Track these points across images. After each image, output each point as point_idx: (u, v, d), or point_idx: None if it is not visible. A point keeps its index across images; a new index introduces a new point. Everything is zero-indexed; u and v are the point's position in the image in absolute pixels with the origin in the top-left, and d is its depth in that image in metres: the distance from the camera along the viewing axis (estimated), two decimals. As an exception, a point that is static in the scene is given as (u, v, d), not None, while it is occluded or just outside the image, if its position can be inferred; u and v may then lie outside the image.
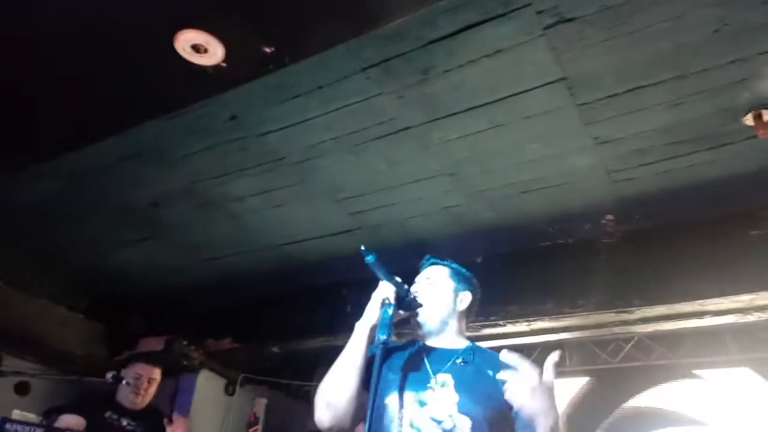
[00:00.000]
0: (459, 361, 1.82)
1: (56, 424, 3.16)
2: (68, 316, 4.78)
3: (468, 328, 2.04)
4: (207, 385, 5.02)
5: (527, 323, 3.71)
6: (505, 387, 1.62)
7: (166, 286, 4.54)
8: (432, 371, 1.78)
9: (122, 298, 4.72)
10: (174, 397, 4.91)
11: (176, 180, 3.33)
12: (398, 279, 1.85)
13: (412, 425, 1.66)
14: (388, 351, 1.69)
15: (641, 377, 4.25)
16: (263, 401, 5.11)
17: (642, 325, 3.57)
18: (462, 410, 1.68)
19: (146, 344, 4.78)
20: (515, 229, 3.55)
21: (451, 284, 2.01)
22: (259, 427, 4.78)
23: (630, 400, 4.43)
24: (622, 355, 4.03)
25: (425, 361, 1.82)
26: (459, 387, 1.73)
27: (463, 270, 2.09)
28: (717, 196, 3.08)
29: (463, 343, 1.93)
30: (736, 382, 3.95)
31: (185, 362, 4.76)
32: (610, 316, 3.48)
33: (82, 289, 4.73)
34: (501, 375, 1.69)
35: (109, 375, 3.32)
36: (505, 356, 1.65)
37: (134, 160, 3.17)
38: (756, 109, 2.57)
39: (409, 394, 1.73)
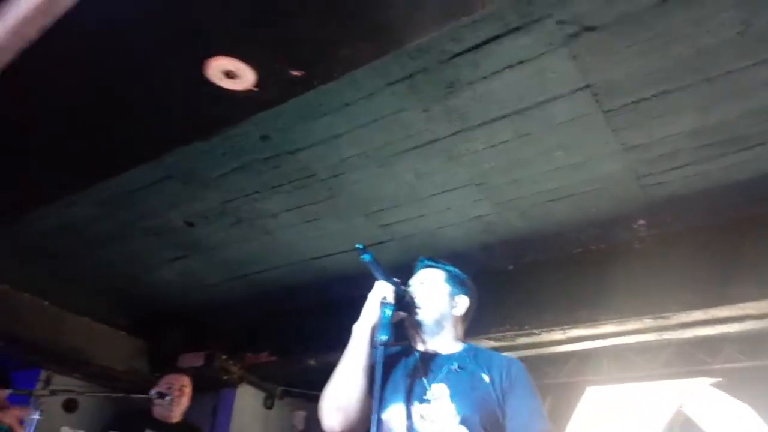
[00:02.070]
0: (454, 367, 1.80)
1: None
2: (110, 333, 4.95)
3: (466, 333, 2.00)
4: (246, 399, 5.12)
5: (562, 331, 3.69)
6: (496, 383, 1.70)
7: (204, 302, 4.66)
8: (428, 382, 1.76)
9: (162, 314, 4.86)
10: (214, 411, 5.02)
11: (210, 199, 3.44)
12: (395, 279, 1.84)
13: None
14: (385, 358, 1.67)
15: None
16: (302, 414, 5.17)
17: (680, 331, 3.52)
18: (459, 421, 1.66)
19: (186, 360, 4.88)
20: (545, 237, 3.55)
21: (446, 288, 1.97)
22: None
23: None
24: (660, 361, 3.97)
25: (421, 370, 1.79)
26: (455, 396, 1.71)
27: (459, 273, 2.04)
28: (749, 197, 3.04)
29: (458, 347, 1.90)
30: None
31: (225, 377, 4.86)
32: (646, 322, 3.44)
33: (123, 307, 4.88)
34: (494, 373, 1.75)
35: (154, 391, 3.44)
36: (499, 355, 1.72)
37: (169, 182, 3.28)
38: (785, 108, 2.54)
39: (407, 407, 1.71)
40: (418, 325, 1.90)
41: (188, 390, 3.66)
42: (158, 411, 3.54)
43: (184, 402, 3.63)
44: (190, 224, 3.70)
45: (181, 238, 3.86)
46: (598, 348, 3.95)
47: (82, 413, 4.72)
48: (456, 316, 1.96)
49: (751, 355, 3.72)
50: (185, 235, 3.82)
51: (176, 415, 3.58)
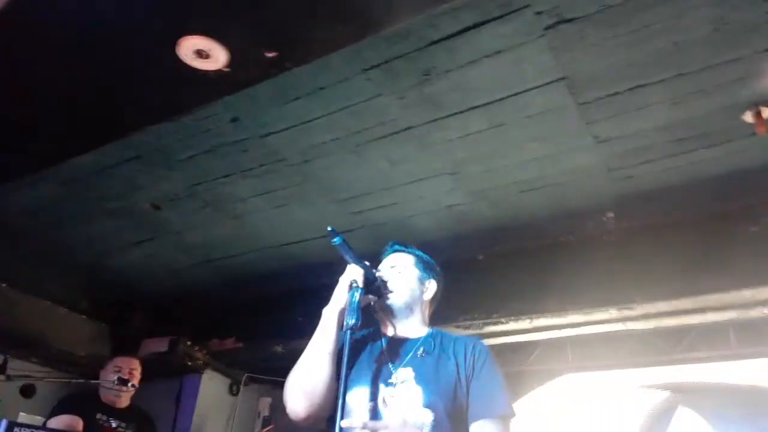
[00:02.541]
0: (420, 352, 1.81)
1: (53, 425, 3.12)
2: (71, 317, 4.81)
3: (432, 317, 2.01)
4: (211, 386, 5.04)
5: (529, 320, 3.73)
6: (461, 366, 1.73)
7: (169, 287, 4.57)
8: (393, 366, 1.76)
9: (125, 299, 4.75)
10: (178, 398, 4.94)
11: (178, 182, 3.35)
12: (366, 262, 1.84)
13: (377, 417, 1.65)
14: (354, 341, 1.67)
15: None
16: (268, 400, 5.14)
17: (643, 321, 3.59)
18: (424, 404, 1.67)
19: (150, 345, 4.79)
20: (516, 227, 3.57)
21: (415, 272, 1.98)
22: (272, 426, 4.78)
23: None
24: (624, 351, 4.04)
25: (388, 355, 1.80)
26: (420, 381, 1.72)
27: (428, 258, 2.05)
28: (717, 193, 3.10)
29: (424, 331, 1.92)
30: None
31: (189, 363, 4.78)
32: (611, 313, 3.50)
33: (85, 291, 4.75)
34: (459, 356, 1.77)
35: (115, 377, 3.35)
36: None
37: (135, 163, 3.18)
38: (755, 106, 2.59)
39: (372, 390, 1.71)
40: (388, 309, 1.90)
41: (138, 373, 3.55)
42: (106, 395, 3.43)
43: (134, 385, 3.50)
44: (157, 207, 3.60)
45: (147, 220, 3.76)
46: (563, 337, 4.01)
47: (40, 398, 4.58)
48: (425, 301, 1.98)
49: (711, 345, 3.82)
50: (151, 218, 3.72)
51: (125, 400, 3.49)
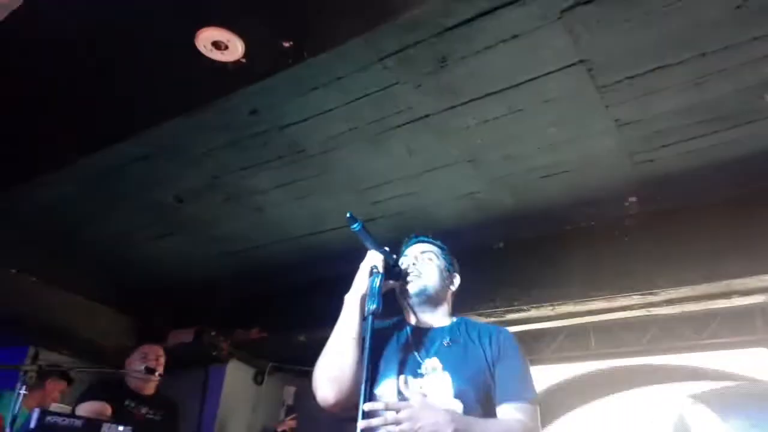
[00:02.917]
0: (446, 342, 1.81)
1: (81, 411, 3.18)
2: (98, 309, 4.93)
3: (453, 307, 2.01)
4: (236, 375, 5.12)
5: (551, 307, 3.71)
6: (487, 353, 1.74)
7: (194, 279, 4.63)
8: (421, 356, 1.76)
9: (151, 291, 4.83)
10: (204, 388, 5.02)
11: (199, 175, 3.39)
12: (386, 248, 1.84)
13: (401, 399, 1.64)
14: (377, 332, 1.67)
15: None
16: (292, 389, 5.19)
17: (667, 307, 3.55)
18: (454, 394, 1.68)
19: (175, 336, 4.88)
20: (537, 214, 3.54)
21: (443, 262, 2.00)
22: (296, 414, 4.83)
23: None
24: (648, 337, 4.01)
25: (413, 344, 1.80)
26: (448, 370, 1.72)
27: (448, 251, 2.06)
28: (740, 175, 3.04)
29: (449, 320, 1.92)
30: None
31: (214, 353, 4.86)
32: (635, 299, 3.47)
33: (112, 284, 4.84)
34: (485, 343, 1.78)
35: (142, 366, 3.42)
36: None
37: (156, 158, 3.23)
38: (778, 85, 2.53)
39: (400, 382, 1.71)
40: (412, 298, 1.90)
41: (163, 361, 3.62)
42: (134, 383, 3.49)
43: (160, 372, 3.57)
44: (179, 200, 3.65)
45: (170, 214, 3.82)
46: (586, 324, 3.98)
47: (71, 389, 4.70)
48: (450, 291, 1.99)
49: (737, 331, 3.77)
50: (174, 212, 3.78)
51: (152, 388, 3.55)
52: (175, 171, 3.35)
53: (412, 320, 1.92)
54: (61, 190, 3.52)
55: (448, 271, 2.00)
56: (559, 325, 3.97)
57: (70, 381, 4.11)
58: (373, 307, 1.67)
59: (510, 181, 3.30)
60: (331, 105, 2.80)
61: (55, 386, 3.88)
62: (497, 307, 3.80)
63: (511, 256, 3.83)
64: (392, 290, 1.88)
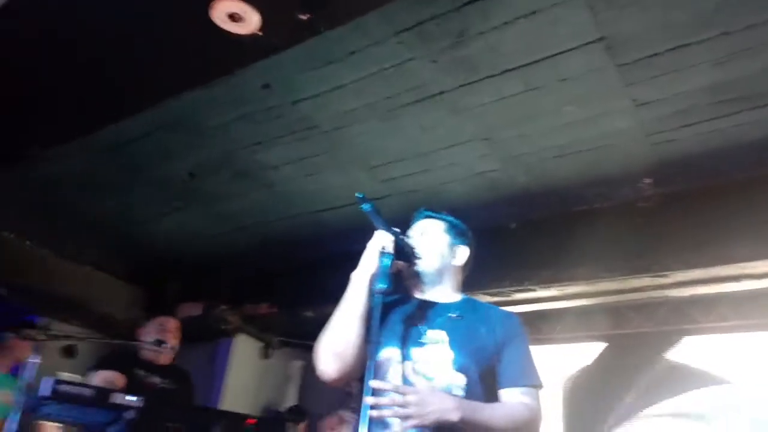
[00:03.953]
0: (453, 316, 1.81)
1: (94, 380, 3.18)
2: (110, 282, 4.96)
3: (463, 284, 1.99)
4: (244, 349, 5.17)
5: (559, 288, 3.71)
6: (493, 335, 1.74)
7: (204, 253, 4.65)
8: (425, 328, 1.77)
9: (161, 264, 4.86)
10: (211, 361, 5.07)
11: (211, 150, 3.38)
12: (396, 229, 1.83)
13: (405, 382, 1.65)
14: (382, 306, 1.66)
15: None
16: (299, 363, 5.25)
17: (677, 289, 3.54)
18: (457, 368, 1.69)
19: (185, 309, 4.91)
20: (550, 194, 3.51)
21: (446, 238, 1.97)
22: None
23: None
24: (656, 319, 4.01)
25: (419, 317, 1.80)
26: (453, 343, 1.72)
27: (459, 223, 2.03)
28: (760, 158, 3.00)
29: (457, 297, 1.92)
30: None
31: (222, 327, 4.90)
32: (645, 281, 3.46)
33: (123, 257, 4.87)
34: (493, 325, 1.79)
35: (154, 337, 3.44)
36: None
37: (169, 131, 3.22)
38: (804, 65, 2.48)
39: (402, 351, 1.72)
40: (417, 276, 1.90)
41: (178, 333, 3.63)
42: (146, 354, 3.50)
43: (175, 343, 3.54)
44: (191, 175, 3.65)
45: (181, 189, 3.81)
46: (594, 305, 3.98)
47: (81, 359, 4.75)
48: (456, 267, 1.97)
49: (743, 314, 3.76)
50: (185, 186, 3.78)
51: (166, 358, 3.56)
52: (187, 145, 3.33)
53: (418, 295, 1.92)
54: (74, 163, 3.52)
55: (452, 246, 1.97)
56: (568, 305, 3.97)
57: (73, 353, 4.13)
58: (382, 287, 1.67)
59: (524, 160, 3.27)
60: (345, 80, 2.77)
61: (18, 342, 3.79)
62: (505, 287, 3.80)
63: (523, 236, 3.81)
64: (398, 270, 1.88)
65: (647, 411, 4.16)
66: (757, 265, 3.16)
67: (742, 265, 3.18)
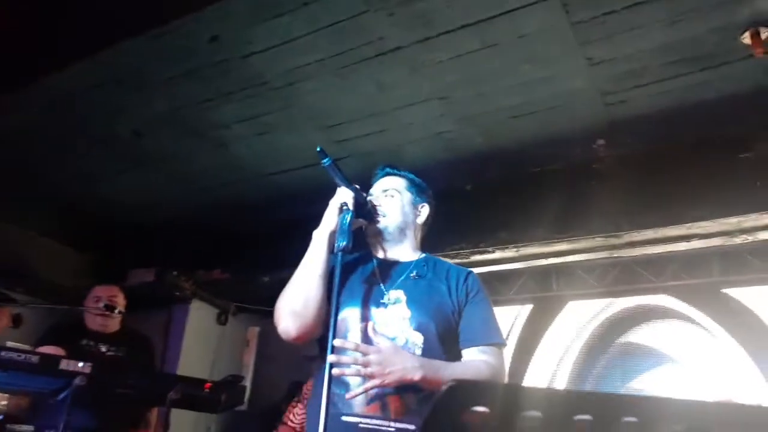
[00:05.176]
0: (413, 275, 1.81)
1: None
2: (56, 248, 4.79)
3: (423, 243, 2.00)
4: (199, 315, 5.09)
5: (516, 249, 3.74)
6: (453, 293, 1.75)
7: (155, 218, 4.50)
8: (385, 287, 1.76)
9: (111, 229, 4.69)
10: (166, 328, 4.98)
11: (158, 107, 3.23)
12: (356, 186, 1.82)
13: (367, 342, 1.65)
14: (343, 266, 1.65)
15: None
16: (256, 329, 5.20)
17: (629, 249, 3.61)
18: (415, 326, 1.69)
19: (136, 275, 4.78)
20: (506, 155, 3.51)
21: (408, 195, 1.97)
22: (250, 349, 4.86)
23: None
24: (608, 279, 4.09)
25: (379, 276, 1.80)
26: (411, 302, 1.73)
27: (419, 181, 2.03)
28: (710, 119, 3.05)
29: (417, 256, 1.91)
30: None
31: (177, 293, 4.80)
32: (598, 241, 3.51)
33: (70, 221, 4.68)
34: (452, 282, 1.79)
35: (102, 304, 3.33)
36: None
37: (113, 86, 3.05)
38: (753, 26, 2.50)
39: (363, 311, 1.71)
40: (380, 233, 1.89)
41: (121, 300, 3.51)
42: (92, 323, 3.42)
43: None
44: (138, 134, 3.49)
45: (129, 148, 3.66)
46: (548, 266, 4.04)
47: (27, 328, 4.59)
48: (418, 224, 1.97)
49: (694, 273, 3.86)
50: (133, 146, 3.62)
51: (114, 325, 3.47)
52: (132, 101, 3.18)
53: (380, 254, 1.91)
54: (13, 120, 3.32)
55: (414, 203, 1.96)
56: (523, 266, 4.01)
57: (19, 322, 3.98)
58: (342, 244, 1.65)
59: (480, 121, 3.24)
60: (297, 33, 2.66)
61: None
62: (462, 249, 3.82)
63: (479, 198, 3.82)
64: (360, 227, 1.86)
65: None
66: (707, 225, 3.24)
67: (691, 225, 3.25)
